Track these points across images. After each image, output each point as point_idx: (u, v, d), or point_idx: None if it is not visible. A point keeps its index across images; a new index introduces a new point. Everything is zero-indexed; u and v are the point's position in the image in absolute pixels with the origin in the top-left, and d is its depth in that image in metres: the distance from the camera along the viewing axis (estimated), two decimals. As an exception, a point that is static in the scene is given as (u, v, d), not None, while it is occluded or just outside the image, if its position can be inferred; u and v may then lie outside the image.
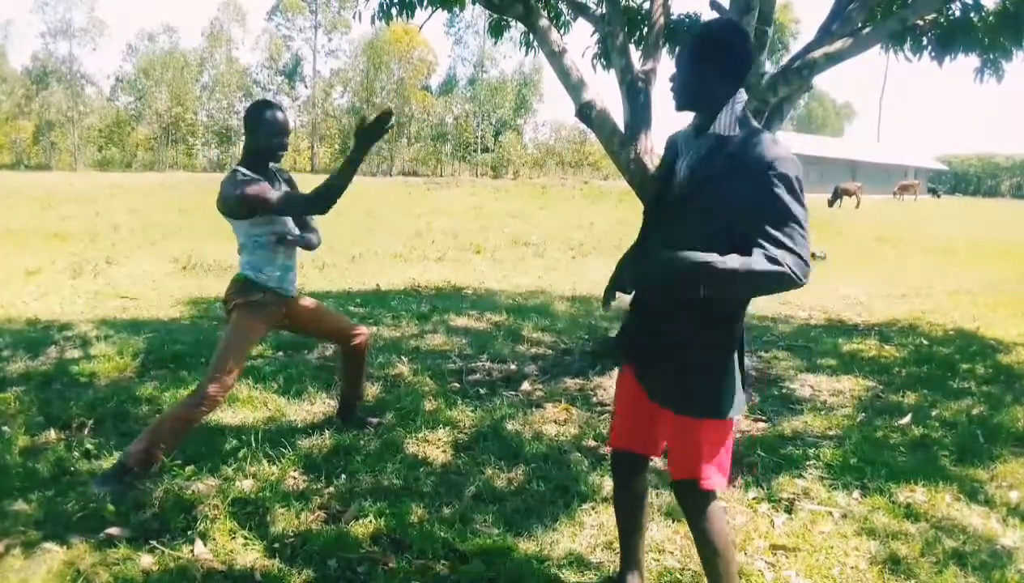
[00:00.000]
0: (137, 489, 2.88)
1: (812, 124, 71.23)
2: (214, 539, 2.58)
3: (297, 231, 3.25)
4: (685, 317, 1.91)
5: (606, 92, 4.66)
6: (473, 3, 5.73)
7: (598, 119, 4.84)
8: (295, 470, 3.15)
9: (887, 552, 2.62)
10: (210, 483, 2.96)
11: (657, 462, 3.23)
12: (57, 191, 21.64)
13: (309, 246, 3.28)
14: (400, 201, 22.18)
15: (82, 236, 13.97)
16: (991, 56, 5.24)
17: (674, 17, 5.88)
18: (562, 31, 6.19)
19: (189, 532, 2.61)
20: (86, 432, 3.53)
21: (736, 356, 1.96)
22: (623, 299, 2.19)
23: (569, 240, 14.88)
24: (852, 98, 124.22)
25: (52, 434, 3.48)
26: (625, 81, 4.82)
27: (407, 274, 10.09)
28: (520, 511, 2.86)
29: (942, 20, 5.18)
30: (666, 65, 5.49)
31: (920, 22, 5.03)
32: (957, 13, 5.15)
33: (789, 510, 2.94)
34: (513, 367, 4.86)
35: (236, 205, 2.98)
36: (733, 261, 1.75)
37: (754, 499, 3.02)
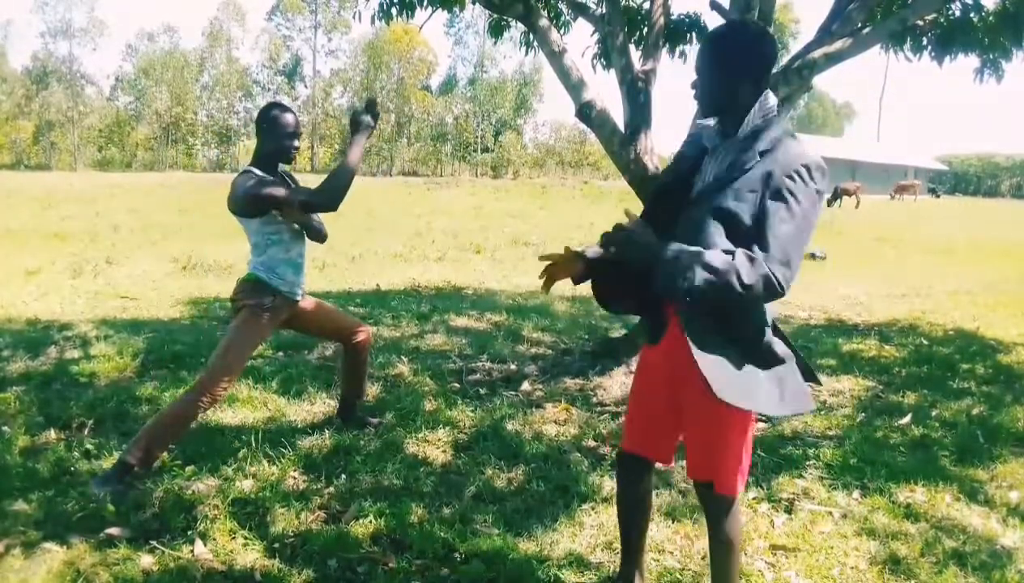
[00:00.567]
0: (137, 489, 2.88)
1: (812, 124, 71.24)
2: (214, 539, 2.58)
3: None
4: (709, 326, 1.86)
5: (606, 92, 4.67)
6: (473, 3, 5.73)
7: (598, 119, 4.84)
8: (295, 470, 3.15)
9: (887, 552, 2.62)
10: (210, 483, 2.96)
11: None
12: (57, 191, 21.64)
13: (320, 235, 3.33)
14: (400, 201, 22.18)
15: (82, 236, 13.96)
16: (991, 56, 5.24)
17: (674, 17, 5.87)
18: (562, 31, 6.19)
19: (189, 532, 2.61)
20: (86, 432, 3.53)
21: (778, 345, 1.90)
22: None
23: (569, 240, 14.82)
24: (852, 98, 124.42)
25: (52, 434, 3.48)
26: (625, 81, 4.82)
27: (407, 274, 10.09)
28: (520, 511, 2.86)
29: (942, 20, 5.18)
30: (666, 65, 5.49)
31: (920, 22, 5.03)
32: (957, 13, 5.15)
33: (789, 510, 2.94)
34: (513, 367, 4.86)
35: (248, 204, 3.00)
36: (717, 260, 1.70)
37: (754, 499, 3.02)
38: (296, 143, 3.14)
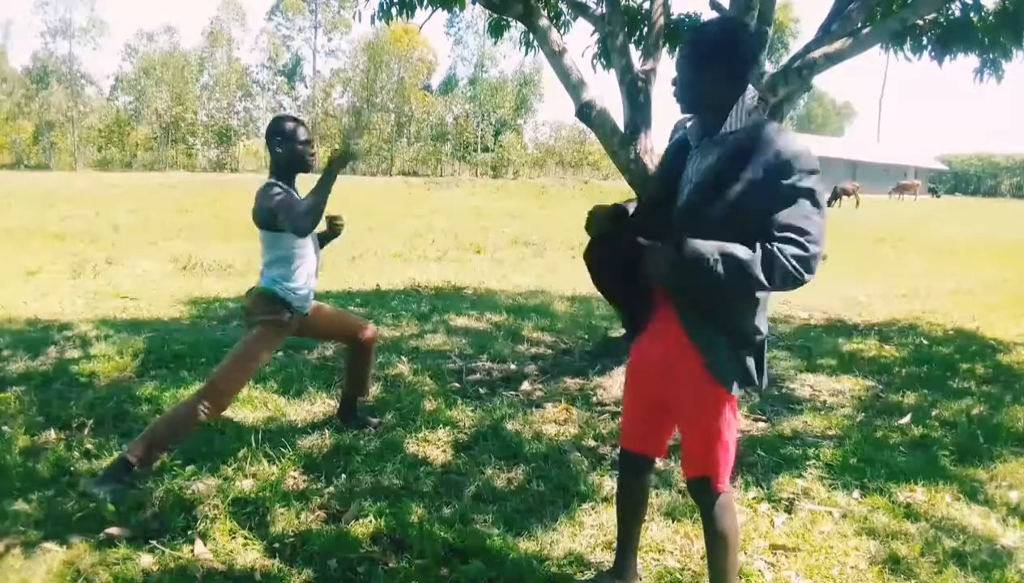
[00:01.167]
0: (137, 489, 2.88)
1: (812, 124, 71.21)
2: (214, 539, 2.58)
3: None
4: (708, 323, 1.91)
5: (606, 92, 4.66)
6: (473, 3, 5.73)
7: (598, 119, 4.85)
8: (295, 470, 3.15)
9: (887, 552, 2.62)
10: (210, 483, 2.96)
11: (657, 461, 3.23)
12: (57, 191, 21.64)
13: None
14: (400, 201, 22.19)
15: (82, 236, 13.96)
16: (991, 56, 5.24)
17: (674, 17, 5.88)
18: (562, 31, 6.19)
19: (189, 532, 2.61)
20: (86, 432, 3.53)
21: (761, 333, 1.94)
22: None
23: (569, 240, 14.86)
24: (852, 98, 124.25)
25: (52, 434, 3.48)
26: (625, 81, 4.83)
27: (407, 274, 10.09)
28: (520, 511, 2.86)
29: (942, 20, 5.18)
30: (666, 65, 5.49)
31: (920, 22, 5.03)
32: (957, 13, 5.15)
33: (789, 510, 2.94)
34: (513, 367, 4.86)
35: (271, 218, 3.01)
36: (741, 252, 1.74)
37: (754, 499, 3.02)
38: (312, 150, 3.19)
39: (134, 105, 48.04)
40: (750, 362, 1.94)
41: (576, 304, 7.61)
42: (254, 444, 3.28)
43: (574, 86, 4.92)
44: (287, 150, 3.12)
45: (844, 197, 27.99)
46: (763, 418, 4.08)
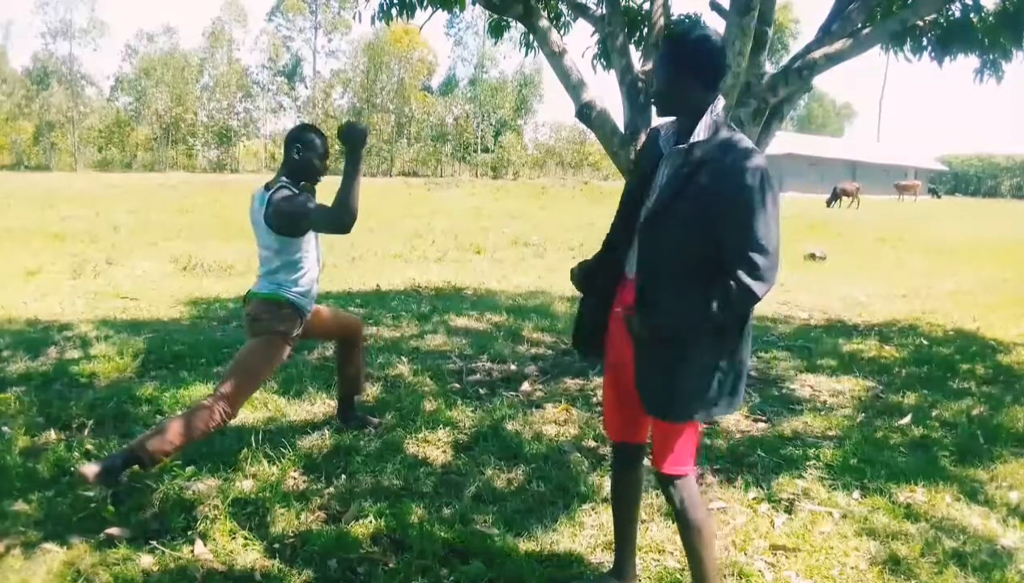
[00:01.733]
0: (134, 486, 2.88)
1: (812, 124, 71.21)
2: (214, 539, 2.58)
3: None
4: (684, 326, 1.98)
5: (606, 92, 4.66)
6: (473, 3, 5.73)
7: (598, 119, 4.85)
8: (295, 470, 3.15)
9: (887, 552, 2.62)
10: (210, 483, 2.97)
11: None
12: (57, 191, 21.64)
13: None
14: (400, 201, 22.18)
15: (82, 236, 13.97)
16: (991, 56, 5.24)
17: (674, 17, 5.87)
18: (562, 31, 6.19)
19: (189, 532, 2.61)
20: (86, 432, 3.54)
21: (730, 359, 2.01)
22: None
23: (569, 240, 14.88)
24: (852, 98, 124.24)
25: (52, 434, 3.48)
26: (625, 81, 4.83)
27: (407, 274, 10.09)
28: (520, 511, 2.86)
29: (942, 20, 5.18)
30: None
31: (920, 23, 5.03)
32: (957, 13, 5.15)
33: (789, 510, 2.94)
34: (513, 367, 4.86)
35: (297, 222, 2.97)
36: (715, 307, 1.88)
37: (754, 499, 3.02)
38: (327, 164, 3.21)
39: (134, 106, 48.04)
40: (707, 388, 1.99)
41: (576, 304, 7.60)
42: (254, 444, 3.28)
43: (574, 87, 4.93)
44: (304, 159, 3.11)
45: (843, 197, 28.00)
46: (763, 418, 4.08)
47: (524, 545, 2.60)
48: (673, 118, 2.06)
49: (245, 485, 2.97)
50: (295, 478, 3.10)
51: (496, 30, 6.47)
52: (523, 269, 11.40)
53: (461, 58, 55.83)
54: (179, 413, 3.09)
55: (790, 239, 15.00)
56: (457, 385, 4.48)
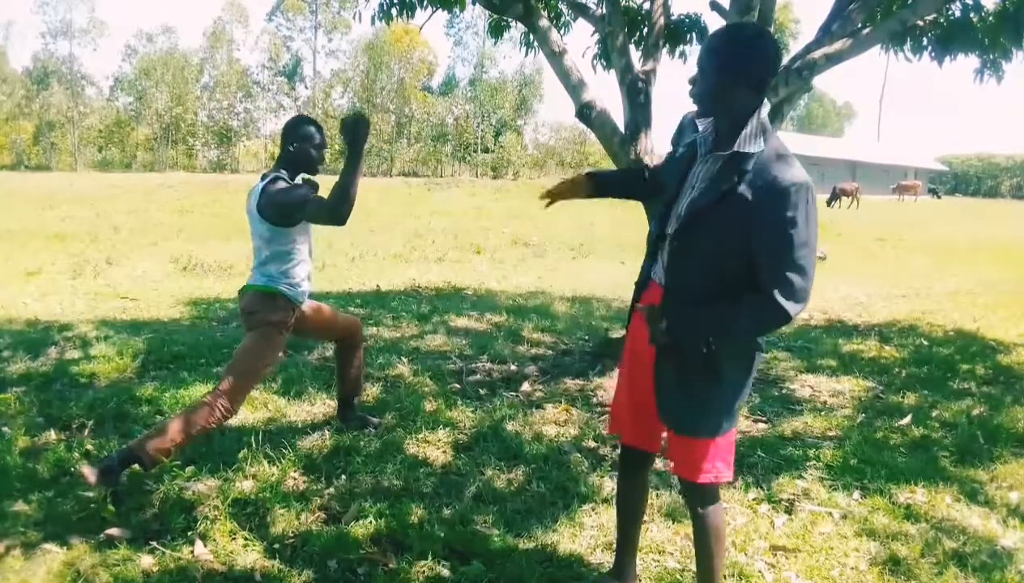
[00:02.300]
0: (134, 487, 2.88)
1: (812, 124, 71.22)
2: (214, 539, 2.58)
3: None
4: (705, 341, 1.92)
5: (606, 92, 4.66)
6: (473, 3, 5.73)
7: (598, 119, 4.85)
8: (295, 470, 3.15)
9: (887, 553, 2.62)
10: (210, 483, 2.96)
11: (657, 463, 3.23)
12: (57, 192, 21.64)
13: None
14: (400, 201, 22.17)
15: (82, 236, 13.97)
16: (991, 56, 5.23)
17: (674, 17, 5.87)
18: (562, 31, 6.19)
19: (189, 532, 2.61)
20: (86, 433, 3.54)
21: (748, 374, 1.99)
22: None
23: (569, 240, 14.88)
24: (852, 98, 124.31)
25: (52, 435, 3.48)
26: (625, 81, 4.83)
27: (407, 274, 10.09)
28: (520, 512, 2.86)
29: (942, 20, 5.17)
30: (666, 65, 5.47)
31: (920, 22, 5.02)
32: (957, 13, 5.15)
33: (789, 511, 2.94)
34: (513, 368, 4.86)
35: (290, 212, 2.97)
36: (744, 320, 1.84)
37: (754, 500, 3.02)
38: (324, 155, 3.19)
39: (134, 106, 48.02)
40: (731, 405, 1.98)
41: (576, 305, 7.61)
42: (254, 445, 3.28)
43: (574, 87, 4.92)
44: (301, 151, 3.11)
45: (843, 198, 28.01)
46: (763, 419, 4.08)
47: (524, 545, 2.60)
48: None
49: (245, 485, 2.97)
50: (295, 478, 3.10)
51: (496, 30, 6.47)
52: (523, 269, 11.40)
53: (461, 58, 55.82)
54: (179, 412, 3.09)
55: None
56: (457, 385, 4.47)
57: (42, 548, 2.50)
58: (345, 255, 12.01)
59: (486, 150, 50.19)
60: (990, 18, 5.08)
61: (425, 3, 5.54)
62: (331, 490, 2.99)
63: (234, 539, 2.59)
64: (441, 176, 41.75)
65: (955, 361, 5.41)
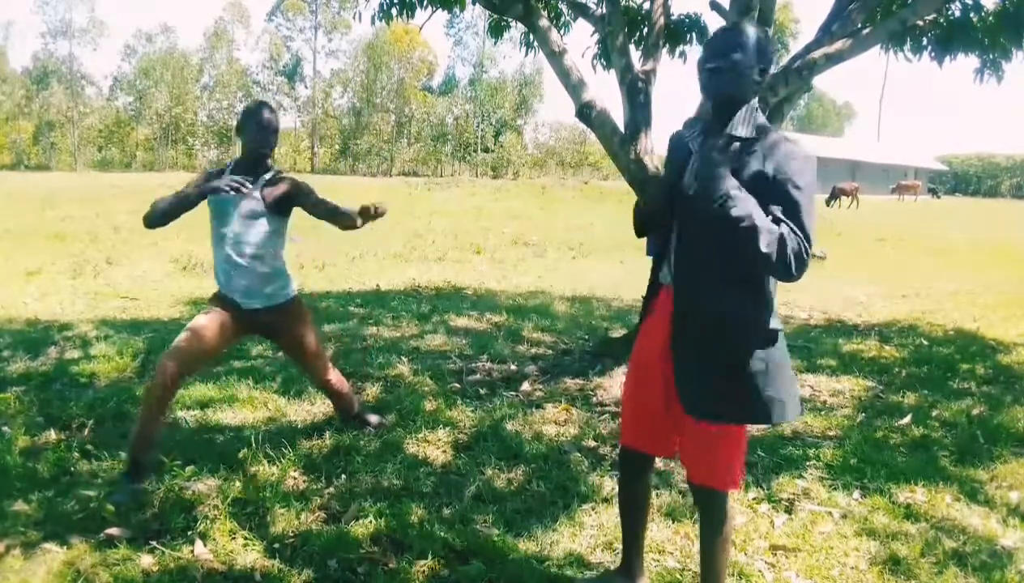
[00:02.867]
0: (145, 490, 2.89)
1: (812, 124, 71.20)
2: (214, 539, 2.57)
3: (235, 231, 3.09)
4: (724, 324, 1.92)
5: (606, 92, 4.66)
6: (473, 3, 5.73)
7: (598, 119, 4.85)
8: (295, 470, 3.15)
9: (887, 552, 2.62)
10: (210, 483, 2.96)
11: (657, 462, 3.23)
12: (57, 191, 21.63)
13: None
14: (400, 201, 22.16)
15: (82, 236, 13.97)
16: (991, 56, 5.24)
17: (674, 17, 5.88)
18: (562, 31, 6.19)
19: (189, 532, 2.61)
20: (86, 432, 3.54)
21: (774, 359, 1.95)
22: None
23: (569, 240, 14.88)
24: (852, 98, 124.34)
25: (52, 434, 3.48)
26: (625, 81, 4.83)
27: (407, 274, 10.09)
28: (520, 511, 2.86)
29: (942, 20, 5.18)
30: (666, 65, 5.49)
31: (920, 22, 5.03)
32: (957, 13, 5.15)
33: (789, 510, 2.94)
34: (513, 367, 4.86)
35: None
36: (762, 220, 1.79)
37: (754, 499, 3.02)
38: (267, 142, 3.06)
39: (134, 106, 48.02)
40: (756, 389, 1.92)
41: (576, 304, 7.61)
42: (254, 444, 3.28)
43: (574, 86, 4.92)
44: (242, 141, 3.09)
45: (842, 197, 28.02)
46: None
47: (524, 545, 2.60)
48: (694, 117, 2.03)
49: (245, 485, 2.96)
50: (295, 478, 3.10)
51: (496, 30, 6.47)
52: (523, 269, 11.39)
53: (461, 58, 55.78)
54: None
55: (790, 239, 15.00)
56: (457, 385, 4.47)
57: (42, 548, 2.50)
58: (345, 255, 12.01)
59: (486, 150, 50.20)
60: (990, 18, 5.08)
61: (425, 3, 5.54)
62: (331, 490, 2.99)
63: (234, 539, 2.59)
64: (441, 176, 41.75)
65: (955, 361, 5.41)
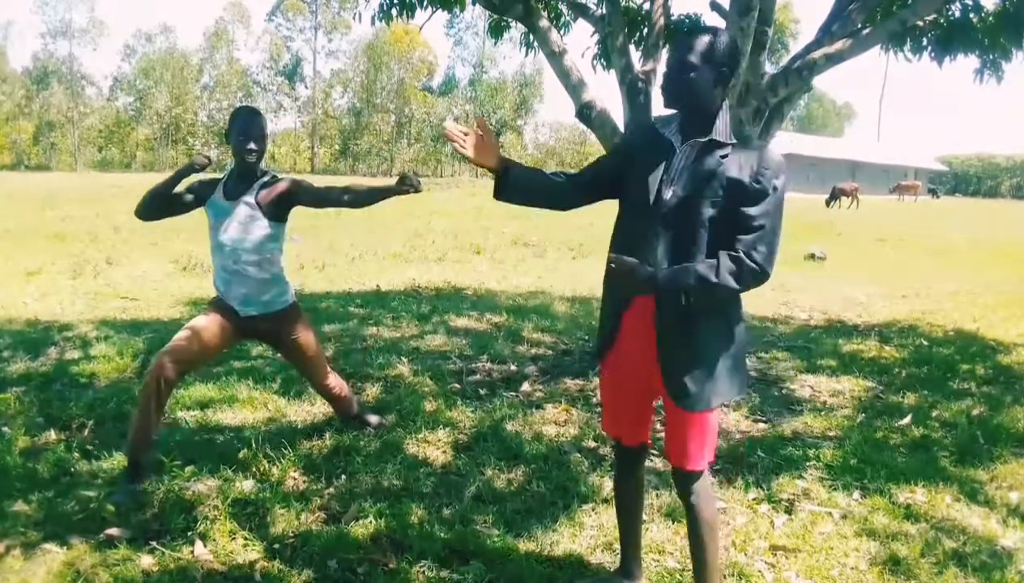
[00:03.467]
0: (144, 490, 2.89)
1: (812, 124, 71.22)
2: (214, 539, 2.58)
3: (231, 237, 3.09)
4: (698, 316, 1.98)
5: (606, 93, 4.66)
6: (473, 3, 5.73)
7: (598, 120, 4.85)
8: (295, 470, 3.15)
9: (887, 553, 2.62)
10: (210, 483, 2.96)
11: (657, 463, 3.24)
12: (57, 192, 21.65)
13: None
14: (400, 201, 22.11)
15: (82, 236, 13.97)
16: (991, 56, 5.23)
17: (674, 18, 5.88)
18: (562, 31, 6.19)
19: (189, 533, 2.61)
20: (86, 432, 3.54)
21: (741, 340, 2.05)
22: None
23: (569, 240, 14.88)
24: (852, 98, 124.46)
25: (52, 435, 3.48)
26: (625, 81, 4.83)
27: (407, 274, 10.09)
28: (520, 512, 2.86)
29: (942, 20, 5.18)
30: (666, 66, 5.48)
31: (920, 23, 5.03)
32: (957, 14, 5.15)
33: (789, 511, 2.94)
34: (513, 368, 4.86)
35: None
36: (710, 273, 1.89)
37: (754, 500, 3.02)
38: (250, 146, 3.00)
39: (134, 106, 48.04)
40: (729, 373, 2.02)
41: (576, 305, 7.61)
42: (254, 445, 3.28)
43: (574, 87, 4.93)
44: (230, 145, 3.08)
45: (842, 198, 28.02)
46: (763, 419, 4.08)
47: (524, 545, 2.60)
48: (672, 113, 2.04)
49: (245, 485, 2.97)
50: (295, 478, 3.10)
51: (496, 30, 6.47)
52: (523, 269, 11.39)
53: (461, 58, 55.85)
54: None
55: (790, 239, 14.98)
56: (457, 385, 4.47)
57: (42, 548, 2.50)
58: (345, 255, 12.01)
59: (486, 150, 50.13)
60: (990, 18, 5.08)
61: (425, 3, 5.55)
62: (331, 490, 2.99)
63: (234, 539, 2.59)
64: (441, 176, 41.78)
65: (955, 361, 5.41)
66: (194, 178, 3.09)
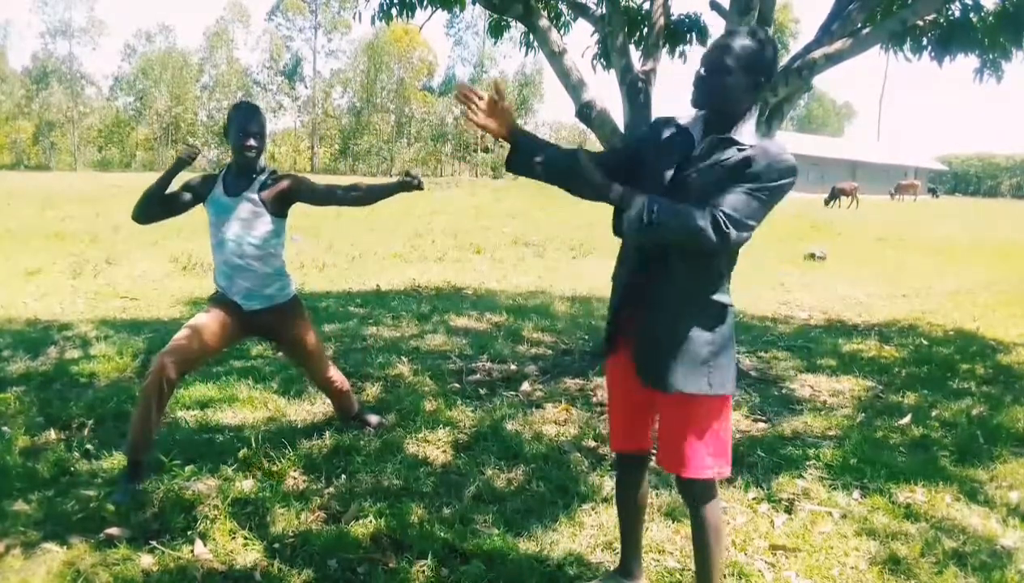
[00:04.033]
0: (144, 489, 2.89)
1: (812, 124, 71.21)
2: (214, 539, 2.58)
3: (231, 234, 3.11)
4: (676, 297, 1.98)
5: (606, 92, 4.66)
6: (473, 3, 5.73)
7: (598, 119, 4.85)
8: (295, 470, 3.15)
9: (887, 552, 2.62)
10: (210, 483, 2.96)
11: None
12: (57, 191, 21.64)
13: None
14: (400, 201, 22.08)
15: (82, 236, 13.96)
16: (991, 56, 5.23)
17: (674, 17, 5.87)
18: (562, 31, 6.19)
19: (189, 532, 2.61)
20: (86, 432, 3.54)
21: (723, 333, 2.00)
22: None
23: (569, 240, 14.87)
24: (852, 98, 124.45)
25: (52, 434, 3.48)
26: (625, 81, 4.83)
27: (407, 274, 10.09)
28: (520, 511, 2.86)
29: (942, 20, 5.17)
30: (666, 65, 5.46)
31: (920, 22, 5.03)
32: (957, 13, 5.15)
33: (789, 510, 2.94)
34: (513, 367, 4.86)
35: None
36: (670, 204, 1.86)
37: (754, 499, 3.02)
38: (250, 141, 3.02)
39: (134, 105, 48.04)
40: (719, 361, 1.98)
41: (576, 304, 7.61)
42: (254, 444, 3.28)
43: (574, 86, 4.93)
44: (229, 142, 3.10)
45: (842, 197, 28.04)
46: (763, 419, 4.08)
47: (524, 545, 2.60)
48: (696, 113, 2.02)
49: (245, 485, 2.97)
50: (295, 478, 3.10)
51: (496, 30, 6.47)
52: (523, 269, 11.39)
53: (461, 58, 55.85)
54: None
55: (790, 239, 15.00)
56: (457, 385, 4.48)
57: (42, 548, 2.50)
58: (345, 255, 12.01)
59: (486, 150, 50.22)
60: (990, 18, 5.08)
61: (425, 3, 5.54)
62: (331, 490, 2.99)
63: (234, 539, 2.59)
64: (441, 176, 41.78)
65: (955, 361, 5.41)
66: (188, 175, 3.09)
